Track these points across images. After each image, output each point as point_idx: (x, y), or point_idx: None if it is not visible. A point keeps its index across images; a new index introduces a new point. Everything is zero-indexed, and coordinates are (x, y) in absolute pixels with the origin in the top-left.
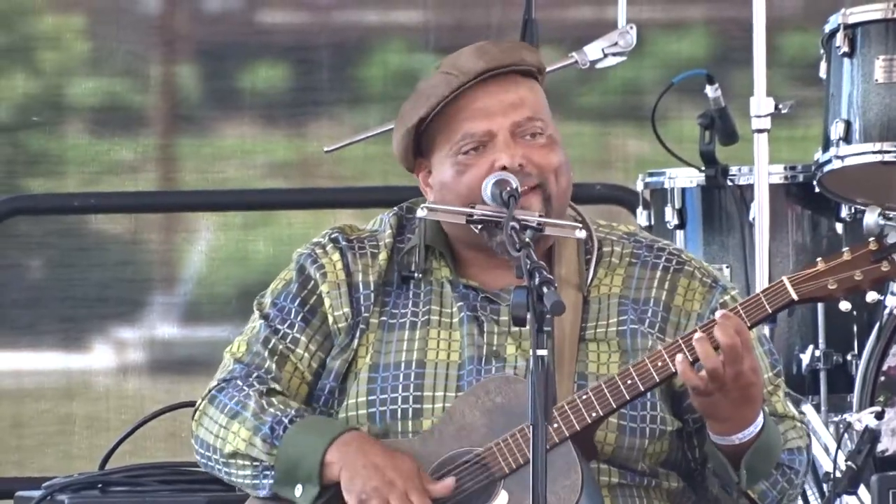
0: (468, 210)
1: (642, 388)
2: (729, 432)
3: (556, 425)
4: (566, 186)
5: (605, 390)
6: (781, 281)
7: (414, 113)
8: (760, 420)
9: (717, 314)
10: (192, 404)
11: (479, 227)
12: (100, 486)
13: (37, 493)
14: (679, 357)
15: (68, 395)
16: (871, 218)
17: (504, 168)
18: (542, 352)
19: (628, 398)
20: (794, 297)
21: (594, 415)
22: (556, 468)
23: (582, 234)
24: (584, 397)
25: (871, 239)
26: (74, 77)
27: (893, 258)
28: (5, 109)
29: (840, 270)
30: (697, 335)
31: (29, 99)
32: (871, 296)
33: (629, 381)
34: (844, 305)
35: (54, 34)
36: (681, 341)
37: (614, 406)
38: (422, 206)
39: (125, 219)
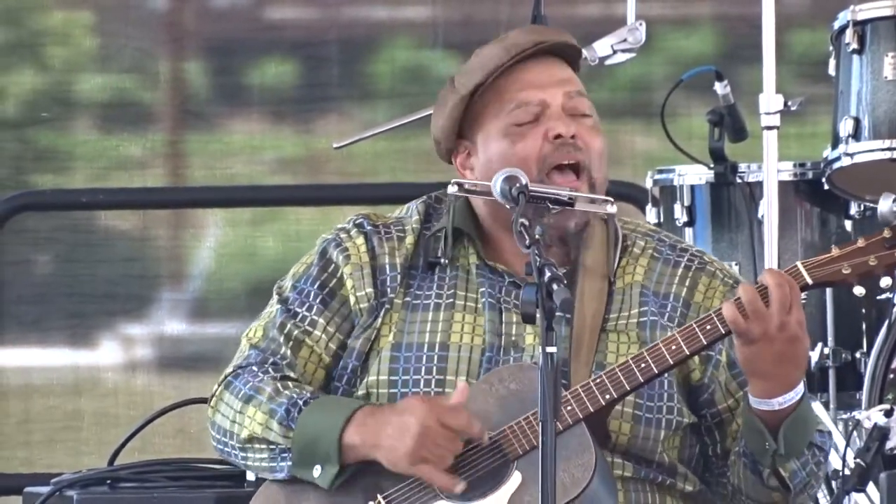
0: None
1: (656, 371)
2: (770, 394)
3: (569, 407)
4: (605, 173)
5: (619, 374)
6: (796, 266)
7: (469, 80)
8: (801, 388)
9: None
10: (201, 401)
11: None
12: (108, 482)
13: (45, 490)
14: (728, 304)
15: (76, 391)
16: (886, 205)
17: (558, 136)
18: (552, 349)
19: (642, 381)
20: (809, 281)
21: (608, 397)
22: (570, 448)
23: (613, 208)
24: (598, 380)
25: (886, 227)
26: (83, 73)
27: None
28: (14, 105)
29: (854, 256)
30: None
31: (37, 95)
32: (885, 281)
33: (643, 365)
34: (859, 290)
35: (63, 30)
36: (695, 325)
37: (628, 388)
38: (453, 181)
39: (133, 215)
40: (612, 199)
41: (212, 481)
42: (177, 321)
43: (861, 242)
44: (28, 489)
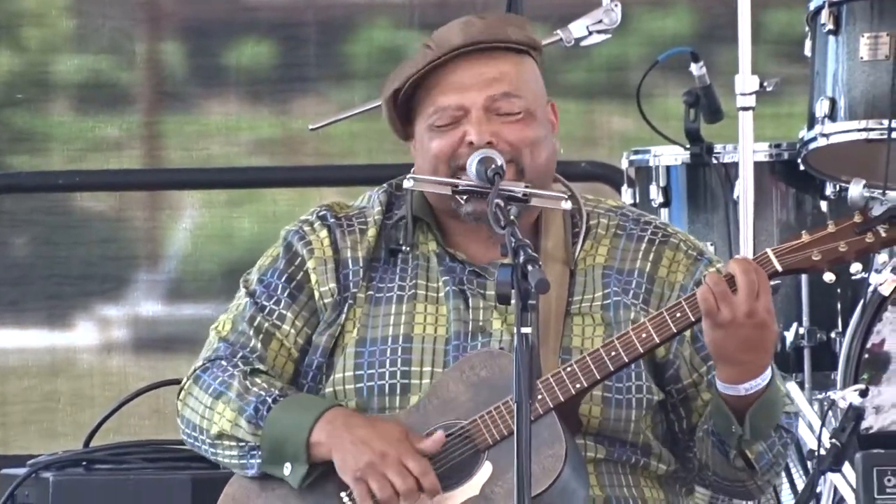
0: (454, 181)
1: (626, 360)
2: (737, 379)
3: (540, 397)
4: (545, 161)
5: (590, 362)
6: (765, 252)
7: (390, 85)
8: (769, 373)
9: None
10: (176, 382)
11: (465, 197)
12: (84, 463)
13: (21, 471)
14: (703, 288)
15: (52, 372)
16: (856, 190)
17: (471, 143)
18: (527, 330)
19: (612, 369)
20: (778, 268)
21: (578, 386)
22: (541, 439)
23: (568, 204)
24: (569, 370)
25: (856, 212)
26: (59, 54)
27: (877, 230)
28: None
29: (824, 242)
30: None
31: (13, 76)
32: (855, 267)
33: (613, 353)
34: (829, 277)
35: (39, 11)
36: (665, 312)
37: (598, 377)
38: (408, 176)
39: (110, 196)
40: (566, 196)
41: (187, 462)
42: (152, 302)
43: (831, 228)
44: (4, 471)
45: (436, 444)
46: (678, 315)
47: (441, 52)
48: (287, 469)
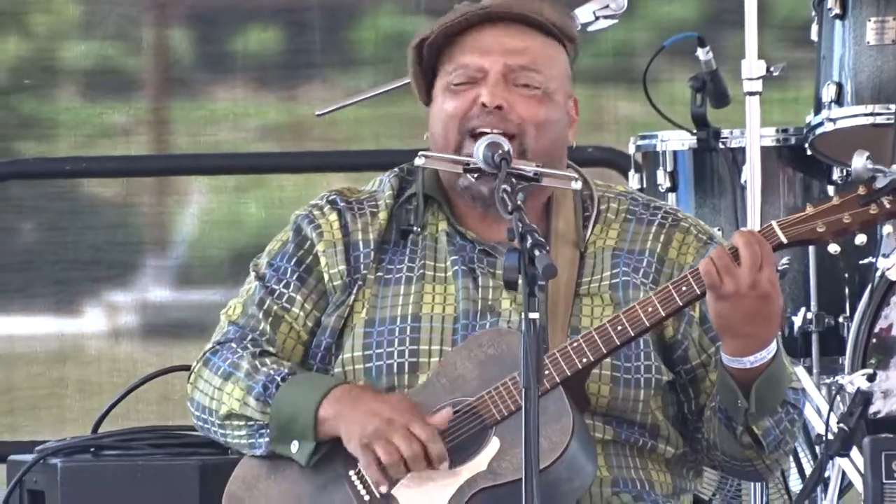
0: (465, 159)
1: (632, 334)
2: (742, 352)
3: (546, 372)
4: (548, 144)
5: (596, 337)
6: (770, 225)
7: (418, 36)
8: (774, 346)
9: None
10: (184, 368)
11: (475, 176)
12: (92, 449)
13: (29, 458)
14: (705, 260)
15: (60, 358)
16: (860, 162)
17: (484, 105)
18: (534, 315)
19: (618, 343)
20: (783, 239)
21: (584, 360)
22: (548, 413)
23: (578, 184)
24: (575, 345)
25: (860, 184)
26: (67, 40)
27: (881, 201)
28: None
29: (829, 214)
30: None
31: (21, 62)
32: (860, 238)
33: (619, 328)
34: (833, 248)
35: None
36: (670, 286)
37: (605, 352)
38: (420, 154)
39: (117, 182)
40: (577, 176)
41: (195, 448)
42: (160, 288)
43: (836, 200)
44: (12, 457)
45: (443, 419)
46: (683, 289)
47: (471, 10)
48: (294, 447)
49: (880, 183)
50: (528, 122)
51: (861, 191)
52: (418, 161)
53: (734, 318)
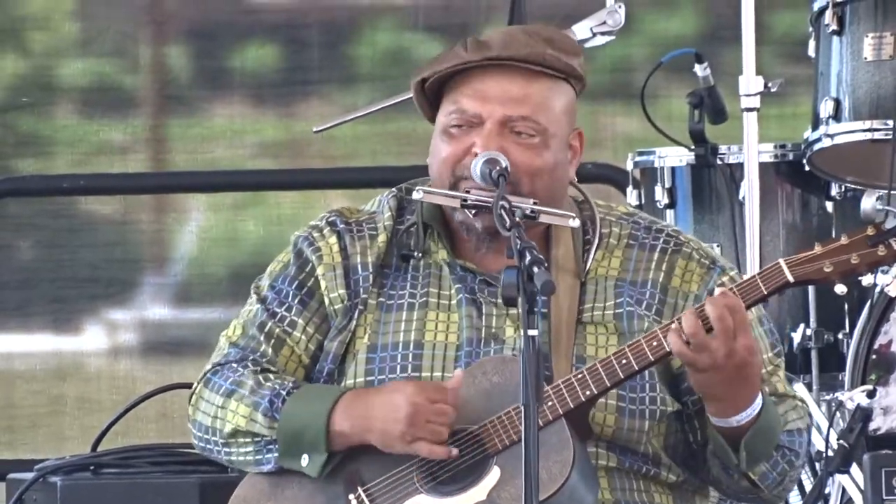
0: (463, 195)
1: (637, 367)
2: (727, 414)
3: (549, 403)
4: (543, 188)
5: (600, 369)
6: (777, 263)
7: (422, 70)
8: (759, 402)
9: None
10: (183, 386)
11: (473, 211)
12: (92, 467)
13: (29, 476)
14: (672, 333)
15: (59, 376)
16: (869, 203)
17: (476, 155)
18: (534, 332)
19: (623, 377)
20: (790, 279)
21: (588, 393)
22: (549, 445)
23: (576, 223)
24: (580, 376)
25: (869, 224)
26: (64, 58)
27: (890, 243)
28: None
29: (836, 254)
30: (688, 311)
31: (18, 80)
32: (867, 279)
33: (624, 361)
34: (840, 289)
35: (44, 15)
36: (676, 322)
37: (608, 385)
38: (418, 188)
39: (115, 200)
40: (573, 215)
41: (195, 466)
42: (159, 306)
43: (844, 240)
44: (12, 475)
45: (456, 381)
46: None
47: (472, 56)
48: (304, 460)
49: (889, 224)
50: (520, 169)
51: (870, 231)
52: (416, 196)
53: (714, 387)
